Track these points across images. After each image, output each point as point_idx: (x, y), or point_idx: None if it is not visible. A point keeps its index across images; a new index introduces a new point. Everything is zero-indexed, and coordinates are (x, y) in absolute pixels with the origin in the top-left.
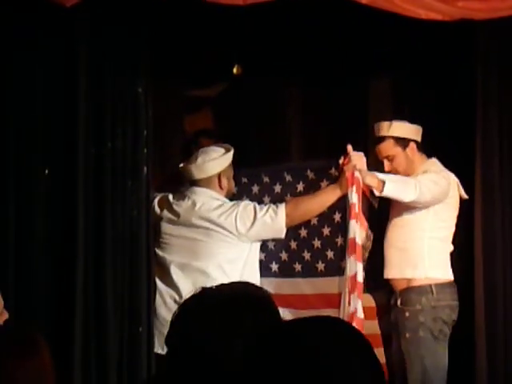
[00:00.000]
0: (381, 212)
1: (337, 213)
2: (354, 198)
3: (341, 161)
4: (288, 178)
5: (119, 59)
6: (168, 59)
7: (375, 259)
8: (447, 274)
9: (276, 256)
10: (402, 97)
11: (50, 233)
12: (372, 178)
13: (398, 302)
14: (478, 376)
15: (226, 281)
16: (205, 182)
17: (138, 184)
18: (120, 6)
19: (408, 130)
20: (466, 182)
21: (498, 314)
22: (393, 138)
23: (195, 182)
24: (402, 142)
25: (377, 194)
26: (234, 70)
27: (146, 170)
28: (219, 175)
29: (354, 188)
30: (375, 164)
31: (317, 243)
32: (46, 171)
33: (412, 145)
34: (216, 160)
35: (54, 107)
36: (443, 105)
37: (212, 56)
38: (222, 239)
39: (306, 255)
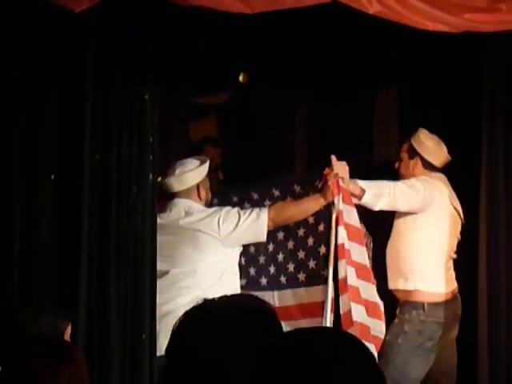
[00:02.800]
0: (384, 222)
1: (322, 223)
2: (341, 206)
3: (325, 172)
4: (276, 193)
5: (126, 66)
6: (174, 67)
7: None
8: (439, 288)
9: (265, 270)
10: (408, 108)
11: (54, 238)
12: (354, 186)
13: (397, 312)
14: None
15: (208, 285)
16: (185, 193)
17: (143, 190)
18: (128, 14)
19: (421, 145)
20: (471, 194)
21: (501, 327)
22: (410, 142)
23: (175, 194)
24: (411, 152)
25: (356, 201)
26: (240, 78)
27: (152, 177)
28: (198, 186)
29: (341, 196)
30: (381, 170)
31: (301, 254)
32: (52, 177)
33: (417, 159)
34: (193, 171)
35: (60, 113)
36: (449, 117)
37: (218, 64)
38: (205, 245)
39: (290, 267)
